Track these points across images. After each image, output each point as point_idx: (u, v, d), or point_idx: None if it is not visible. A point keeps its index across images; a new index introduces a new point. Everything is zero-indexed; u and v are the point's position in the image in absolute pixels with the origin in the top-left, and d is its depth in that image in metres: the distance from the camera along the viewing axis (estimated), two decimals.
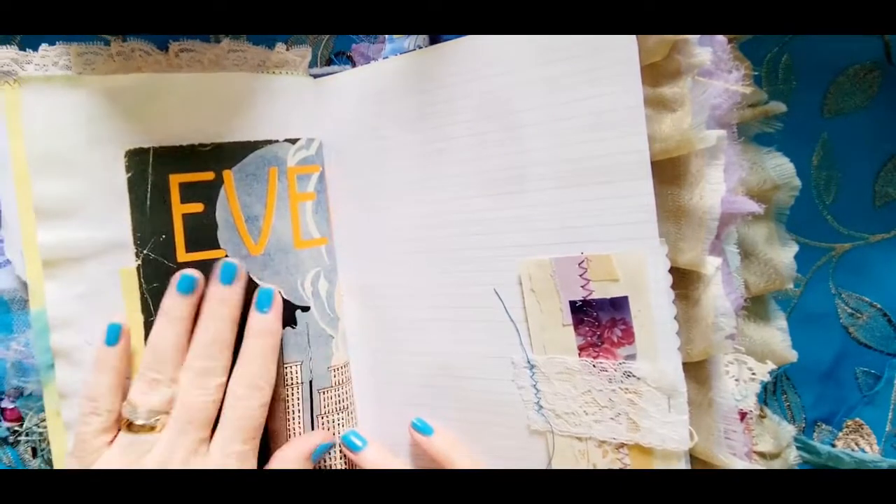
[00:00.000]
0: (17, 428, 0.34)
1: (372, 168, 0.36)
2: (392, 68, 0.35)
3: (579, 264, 0.29)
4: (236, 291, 0.34)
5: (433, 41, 0.34)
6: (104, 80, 0.33)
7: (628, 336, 0.29)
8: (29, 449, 0.35)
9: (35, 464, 0.34)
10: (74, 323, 0.33)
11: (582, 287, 0.29)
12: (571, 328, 0.30)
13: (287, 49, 0.37)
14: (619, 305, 0.29)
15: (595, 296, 0.29)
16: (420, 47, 0.34)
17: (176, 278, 0.33)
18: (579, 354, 0.30)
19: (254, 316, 0.34)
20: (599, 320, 0.29)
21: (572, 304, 0.30)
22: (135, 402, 0.31)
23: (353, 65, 0.39)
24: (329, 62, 0.40)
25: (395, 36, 0.36)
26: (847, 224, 0.36)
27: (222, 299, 0.33)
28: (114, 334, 0.33)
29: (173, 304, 0.33)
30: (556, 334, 0.30)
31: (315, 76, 0.38)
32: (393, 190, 0.36)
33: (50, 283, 0.32)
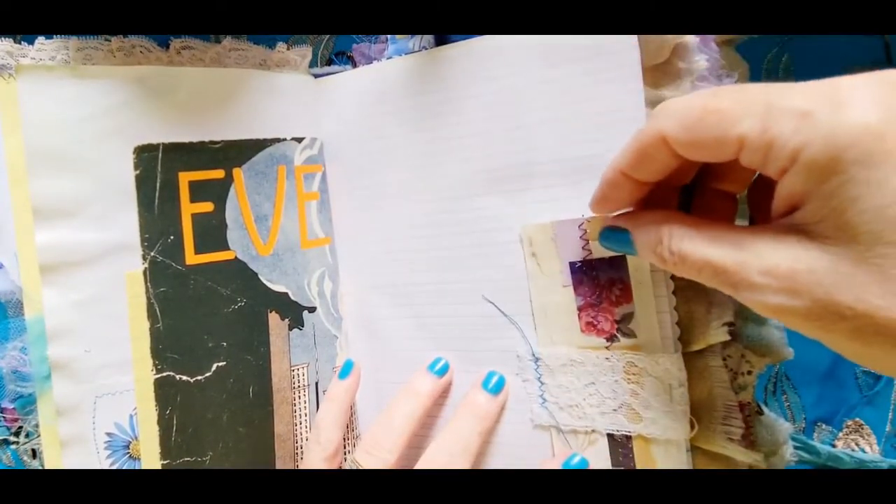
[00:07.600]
0: (15, 438, 0.33)
1: (373, 168, 0.36)
2: (397, 69, 0.35)
3: (579, 226, 0.30)
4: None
5: (439, 42, 0.34)
6: (112, 71, 0.31)
7: (626, 295, 0.29)
8: (29, 450, 0.34)
9: (35, 465, 0.34)
10: (74, 332, 0.31)
11: (582, 248, 0.30)
12: (571, 289, 0.31)
13: (288, 48, 0.37)
14: (616, 265, 0.29)
15: (594, 256, 0.30)
16: (426, 48, 0.34)
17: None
18: (578, 315, 0.30)
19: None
20: (598, 280, 0.30)
21: (572, 265, 0.31)
22: (359, 461, 0.32)
23: (354, 65, 0.39)
24: (329, 62, 0.40)
25: (398, 37, 0.36)
26: None
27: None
28: (347, 370, 0.37)
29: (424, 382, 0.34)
30: (556, 296, 0.31)
31: (316, 76, 0.38)
32: (395, 189, 0.36)
33: (48, 289, 0.30)
